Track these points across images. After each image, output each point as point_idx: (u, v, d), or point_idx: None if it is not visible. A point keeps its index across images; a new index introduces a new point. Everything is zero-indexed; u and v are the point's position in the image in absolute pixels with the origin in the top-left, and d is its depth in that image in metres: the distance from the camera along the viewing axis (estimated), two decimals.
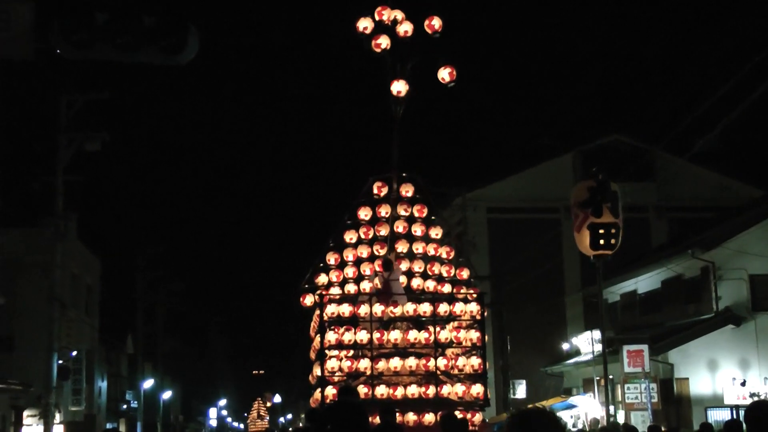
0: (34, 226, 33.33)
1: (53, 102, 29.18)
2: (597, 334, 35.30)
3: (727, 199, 39.79)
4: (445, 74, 18.47)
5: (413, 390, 16.45)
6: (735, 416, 27.27)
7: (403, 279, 18.11)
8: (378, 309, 16.95)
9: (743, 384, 28.48)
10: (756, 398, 28.07)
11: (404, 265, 18.31)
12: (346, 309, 17.15)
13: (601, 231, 17.66)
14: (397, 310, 17.16)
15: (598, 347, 34.45)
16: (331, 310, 17.20)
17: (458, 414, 15.39)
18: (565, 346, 38.79)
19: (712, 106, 20.80)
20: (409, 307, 17.13)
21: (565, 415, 33.75)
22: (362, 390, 16.08)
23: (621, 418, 31.32)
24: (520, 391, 40.20)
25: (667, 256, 34.93)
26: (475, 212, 42.80)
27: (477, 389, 16.73)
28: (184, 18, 10.40)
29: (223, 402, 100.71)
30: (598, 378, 34.98)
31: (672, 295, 34.31)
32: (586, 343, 35.83)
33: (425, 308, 17.06)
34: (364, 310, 17.07)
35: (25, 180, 29.81)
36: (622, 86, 77.02)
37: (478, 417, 16.72)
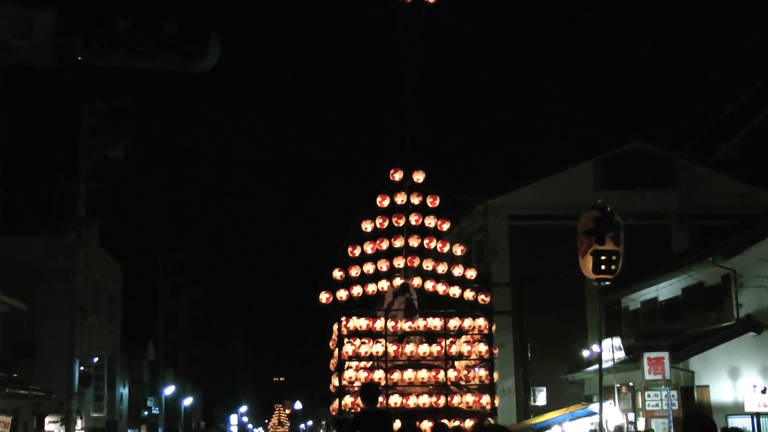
0: (56, 232, 33.46)
1: (75, 109, 29.33)
2: (618, 341, 35.31)
3: (748, 207, 39.65)
4: None
5: (425, 400, 17.21)
6: (756, 423, 27.22)
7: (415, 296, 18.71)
8: (390, 324, 17.72)
9: (764, 392, 28.34)
10: None
11: (417, 279, 18.88)
12: (362, 323, 17.85)
13: (603, 257, 18.52)
14: (410, 325, 17.84)
15: (619, 354, 34.49)
16: (350, 324, 17.95)
17: (469, 421, 16.53)
18: (586, 353, 38.72)
19: (733, 113, 20.78)
20: (421, 322, 17.82)
21: (585, 422, 33.73)
22: (378, 399, 15.92)
23: (641, 426, 31.28)
24: (541, 398, 40.15)
25: (688, 263, 34.82)
26: (497, 219, 42.81)
27: (485, 399, 17.50)
28: (205, 25, 10.48)
29: (243, 408, 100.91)
30: (618, 385, 34.97)
31: (693, 303, 34.24)
32: (607, 350, 35.76)
33: (436, 323, 17.78)
34: (379, 324, 17.78)
35: (47, 186, 29.96)
36: (644, 93, 76.89)
37: (489, 421, 17.21)
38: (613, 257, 18.62)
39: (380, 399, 16.56)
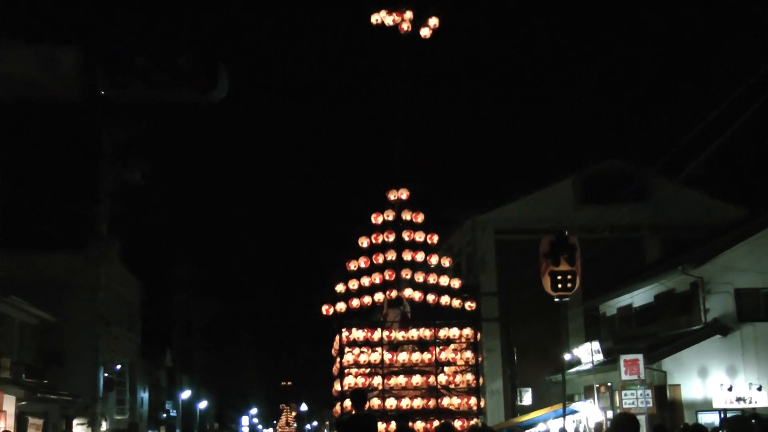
0: (80, 250, 33.52)
1: (97, 137, 29.41)
2: (596, 345, 35.35)
3: (714, 220, 39.72)
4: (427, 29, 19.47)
5: (418, 402, 17.52)
6: (724, 419, 27.29)
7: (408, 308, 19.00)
8: (386, 334, 18.08)
9: (730, 389, 28.48)
10: (742, 402, 28.10)
11: (408, 290, 19.11)
12: (360, 334, 18.13)
13: (559, 277, 18.85)
14: (404, 335, 18.19)
15: (598, 357, 34.53)
16: (349, 335, 18.25)
17: (458, 421, 16.91)
18: (567, 356, 38.73)
19: (700, 134, 20.89)
20: (414, 332, 18.15)
21: (567, 420, 33.73)
22: (375, 402, 17.34)
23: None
24: (527, 398, 40.12)
25: (659, 272, 34.92)
26: (484, 234, 42.88)
27: (472, 401, 17.81)
28: (215, 59, 10.56)
29: (254, 410, 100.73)
30: (597, 385, 34.99)
31: (665, 308, 34.28)
32: (587, 353, 35.80)
33: (427, 333, 18.12)
34: (376, 335, 18.10)
35: (73, 208, 30.03)
36: (618, 115, 76.99)
37: (474, 422, 17.80)
38: (569, 276, 18.95)
39: (368, 403, 16.98)
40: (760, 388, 28.58)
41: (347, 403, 17.65)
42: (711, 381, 29.39)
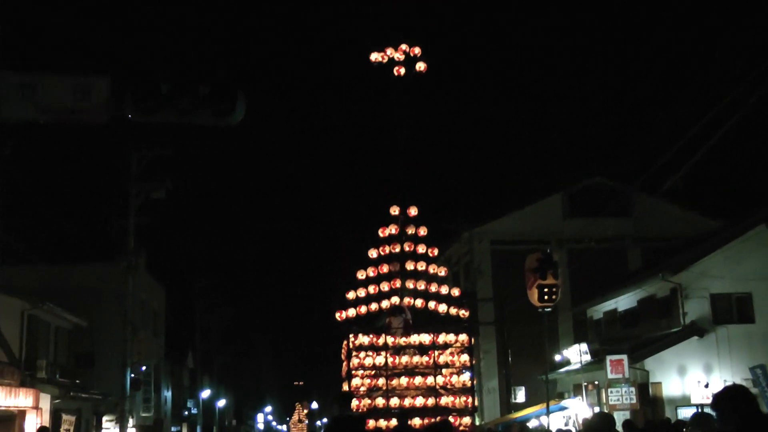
0: (110, 261, 33.62)
1: (125, 158, 29.54)
2: (584, 346, 35.34)
3: (690, 231, 39.75)
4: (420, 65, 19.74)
5: (419, 401, 18.02)
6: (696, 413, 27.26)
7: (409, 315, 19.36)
8: (390, 340, 18.53)
9: (707, 386, 28.50)
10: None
11: (408, 298, 19.37)
12: (366, 339, 18.59)
13: (546, 289, 19.70)
14: (405, 340, 18.64)
15: (586, 357, 34.52)
16: (357, 341, 18.65)
17: (451, 418, 17.14)
18: (558, 357, 38.72)
19: (678, 152, 21.00)
20: (415, 338, 18.57)
21: (558, 416, 33.73)
22: (380, 401, 17.94)
23: None
24: (521, 396, 40.09)
25: (641, 279, 34.94)
26: (481, 244, 42.91)
27: (467, 399, 18.31)
28: (233, 86, 10.67)
29: (268, 408, 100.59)
30: (585, 383, 34.97)
31: (647, 312, 34.29)
32: (575, 354, 35.80)
33: (427, 338, 18.55)
34: (381, 340, 18.53)
35: (103, 223, 30.15)
36: (603, 134, 77.09)
37: (467, 420, 18.25)
38: (554, 289, 19.81)
39: (383, 401, 17.88)
40: None
41: (354, 402, 18.03)
42: (689, 378, 29.41)
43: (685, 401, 28.91)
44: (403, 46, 19.63)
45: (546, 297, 19.78)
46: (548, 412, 25.31)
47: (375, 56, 19.62)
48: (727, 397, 6.18)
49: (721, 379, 28.99)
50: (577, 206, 42.19)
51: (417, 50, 19.66)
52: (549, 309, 20.45)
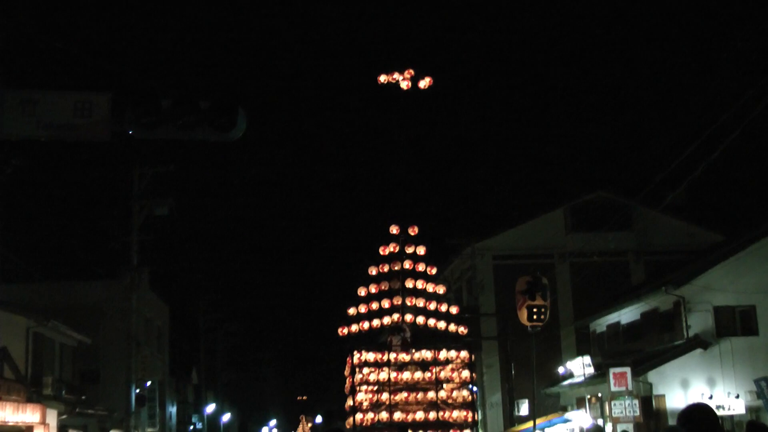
0: (113, 278, 33.55)
1: (128, 174, 29.49)
2: (587, 359, 35.21)
3: (693, 244, 39.68)
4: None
5: (420, 415, 18.56)
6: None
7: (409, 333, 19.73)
8: (393, 356, 19.07)
9: (710, 398, 28.37)
10: (721, 410, 28.00)
11: (409, 315, 19.74)
12: (371, 356, 19.07)
13: (534, 310, 20.30)
14: (408, 357, 19.13)
15: (589, 370, 34.38)
16: (361, 357, 19.15)
17: None
18: (561, 370, 38.60)
19: (679, 167, 20.99)
20: (417, 354, 19.10)
21: (561, 429, 33.56)
22: (384, 415, 18.48)
23: (609, 430, 31.12)
24: (524, 409, 39.94)
25: (644, 292, 34.82)
26: (483, 259, 42.80)
27: (468, 414, 18.86)
28: (233, 101, 10.60)
29: (273, 422, 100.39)
30: (588, 396, 34.80)
31: (650, 325, 34.17)
32: (579, 367, 35.66)
33: (428, 354, 19.09)
34: (384, 357, 19.05)
35: (106, 240, 30.09)
36: (604, 148, 77.05)
37: None
38: (542, 309, 20.39)
39: (386, 415, 18.41)
40: (737, 397, 28.55)
41: (358, 416, 18.49)
42: (692, 391, 29.28)
43: None
44: (410, 71, 20.11)
45: (535, 317, 20.41)
46: (534, 427, 25.46)
47: (384, 78, 20.05)
48: (689, 416, 6.22)
49: (724, 391, 28.88)
50: (579, 220, 42.07)
51: (428, 80, 20.15)
52: (538, 329, 20.97)
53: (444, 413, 18.74)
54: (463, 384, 19.29)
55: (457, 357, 19.26)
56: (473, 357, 19.65)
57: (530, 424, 35.80)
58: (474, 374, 19.46)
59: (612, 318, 37.98)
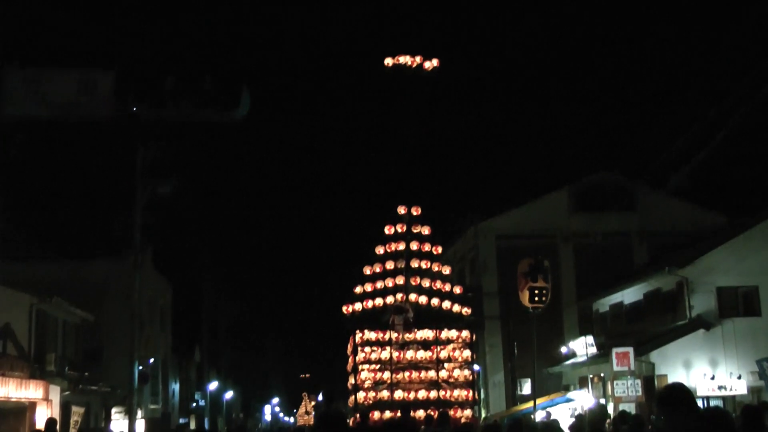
0: (117, 256, 33.57)
1: (131, 153, 29.41)
2: (590, 339, 35.26)
3: (696, 226, 39.63)
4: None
5: (422, 394, 19.01)
6: (707, 405, 27.14)
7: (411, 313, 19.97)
8: (394, 335, 19.41)
9: (713, 378, 28.46)
10: (723, 390, 28.07)
11: (413, 294, 20.00)
12: (373, 335, 19.48)
13: (536, 291, 20.70)
14: (410, 336, 19.47)
15: (592, 350, 34.44)
16: (363, 336, 19.59)
17: (451, 412, 17.89)
18: (564, 350, 38.66)
19: (683, 148, 20.97)
20: (419, 334, 19.47)
21: (564, 408, 33.64)
22: (385, 394, 18.89)
23: (611, 409, 31.18)
24: (526, 388, 40.04)
25: (647, 273, 34.84)
26: (486, 239, 42.77)
27: (468, 393, 19.38)
28: (238, 80, 10.59)
29: (275, 400, 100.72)
30: (591, 376, 34.86)
31: (652, 306, 34.19)
32: (581, 347, 35.71)
33: (429, 334, 19.49)
34: (387, 336, 19.40)
35: (109, 219, 30.09)
36: (608, 130, 76.96)
37: (468, 412, 19.15)
38: (544, 291, 20.82)
39: (387, 394, 18.77)
40: (739, 377, 28.62)
41: (360, 395, 18.61)
42: (695, 371, 29.33)
43: None
44: (417, 58, 20.27)
45: (536, 298, 20.79)
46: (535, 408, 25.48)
47: (388, 61, 20.19)
48: (668, 396, 6.18)
49: (726, 372, 28.94)
50: (582, 201, 42.00)
51: (435, 61, 20.25)
52: (539, 310, 21.35)
53: (445, 392, 19.04)
54: (464, 363, 19.58)
55: (458, 337, 19.49)
56: (474, 337, 20.07)
57: (532, 403, 35.98)
58: (475, 354, 19.76)
59: (615, 298, 38.00)
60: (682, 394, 6.13)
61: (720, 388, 28.27)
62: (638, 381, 28.63)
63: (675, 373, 29.75)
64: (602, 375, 33.38)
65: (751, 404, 19.81)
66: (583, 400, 34.02)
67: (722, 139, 18.97)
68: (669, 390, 6.18)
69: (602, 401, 33.03)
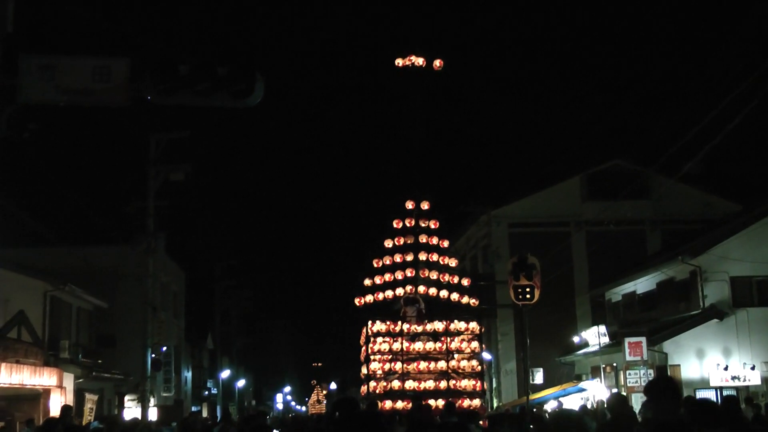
0: (130, 243, 33.70)
1: (145, 140, 29.52)
2: (603, 328, 35.26)
3: (710, 213, 39.55)
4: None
5: (431, 384, 19.31)
6: (720, 396, 27.12)
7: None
8: (405, 327, 19.75)
9: (726, 369, 28.41)
10: (737, 380, 28.04)
11: (422, 287, 20.34)
12: (384, 326, 19.79)
13: (519, 290, 21.41)
14: (420, 328, 19.84)
15: (604, 339, 34.44)
16: (375, 327, 19.84)
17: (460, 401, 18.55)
18: (576, 339, 38.67)
19: (697, 135, 20.89)
20: (429, 325, 19.79)
21: (576, 397, 33.69)
22: (396, 384, 19.20)
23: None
24: (539, 377, 40.09)
25: (661, 261, 34.77)
26: (499, 227, 42.76)
27: (476, 383, 19.69)
28: (251, 67, 10.61)
29: (287, 389, 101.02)
30: (603, 365, 34.87)
31: (666, 295, 34.14)
32: (594, 336, 35.73)
33: (439, 326, 19.78)
34: (398, 327, 19.72)
35: (123, 205, 30.19)
36: (622, 117, 76.78)
37: (477, 402, 19.39)
38: (527, 289, 21.39)
39: (398, 384, 19.14)
40: (753, 368, 28.54)
41: (372, 384, 19.07)
42: (708, 361, 29.29)
43: (703, 384, 28.79)
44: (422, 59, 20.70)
45: (521, 296, 21.43)
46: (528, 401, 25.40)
47: (399, 61, 20.63)
48: (654, 386, 6.45)
49: (740, 362, 28.89)
50: (595, 188, 41.94)
51: (439, 62, 20.64)
52: (528, 306, 22.15)
53: (454, 382, 19.40)
54: (473, 354, 19.89)
55: (467, 329, 19.95)
56: (482, 329, 20.38)
57: (544, 392, 36.04)
58: (483, 345, 20.32)
59: (628, 287, 37.96)
60: (666, 383, 6.41)
61: (733, 378, 28.24)
62: (651, 371, 28.61)
63: (688, 363, 29.74)
64: (615, 365, 33.39)
65: (731, 395, 20.12)
66: (595, 390, 34.07)
67: (737, 126, 18.88)
68: (655, 380, 6.49)
69: (614, 391, 33.11)
